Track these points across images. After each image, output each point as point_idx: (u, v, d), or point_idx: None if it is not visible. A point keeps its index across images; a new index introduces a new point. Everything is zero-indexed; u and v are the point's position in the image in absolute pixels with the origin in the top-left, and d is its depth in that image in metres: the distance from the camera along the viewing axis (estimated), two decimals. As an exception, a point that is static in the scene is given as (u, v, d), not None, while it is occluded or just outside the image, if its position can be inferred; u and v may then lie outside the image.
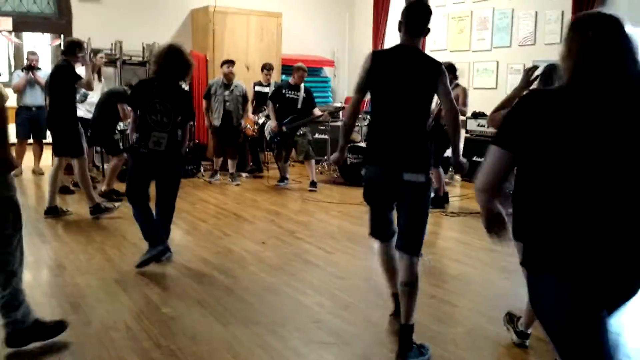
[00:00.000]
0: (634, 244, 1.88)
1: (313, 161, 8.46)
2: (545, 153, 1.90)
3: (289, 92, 8.25)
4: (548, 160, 1.91)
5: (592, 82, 1.91)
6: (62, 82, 6.07)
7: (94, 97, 7.59)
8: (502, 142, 2.01)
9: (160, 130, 4.70)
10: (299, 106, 8.25)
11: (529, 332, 3.48)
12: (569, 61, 2.00)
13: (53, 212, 6.28)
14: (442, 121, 7.17)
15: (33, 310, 3.32)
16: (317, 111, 8.41)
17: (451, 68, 7.22)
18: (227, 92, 8.36)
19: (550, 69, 3.30)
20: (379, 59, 3.48)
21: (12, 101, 8.34)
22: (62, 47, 6.03)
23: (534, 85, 3.13)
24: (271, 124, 8.29)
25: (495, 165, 2.01)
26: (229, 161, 8.79)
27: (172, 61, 4.71)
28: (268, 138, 8.43)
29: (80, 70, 6.20)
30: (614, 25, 1.99)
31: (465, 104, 7.13)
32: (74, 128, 6.26)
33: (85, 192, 6.30)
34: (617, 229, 1.87)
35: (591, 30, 1.96)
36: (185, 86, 6.35)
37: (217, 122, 8.49)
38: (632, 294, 1.99)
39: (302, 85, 8.33)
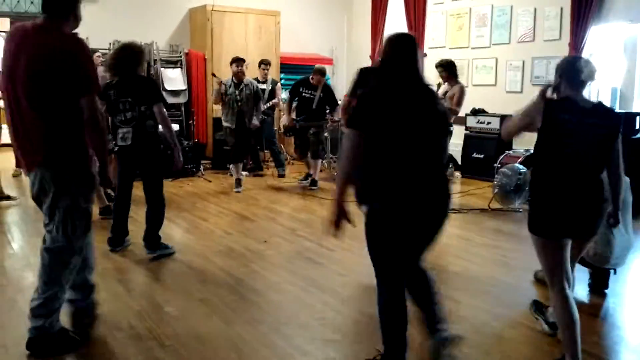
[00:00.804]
0: (435, 188, 2.84)
1: (320, 160, 8.46)
2: (377, 131, 2.72)
3: (306, 91, 8.20)
4: (379, 136, 2.72)
5: (398, 81, 2.81)
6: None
7: None
8: (355, 126, 2.76)
9: (126, 125, 4.82)
10: (314, 106, 8.20)
11: None
12: (386, 65, 2.89)
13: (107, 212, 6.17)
14: None
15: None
16: (334, 116, 8.36)
17: (449, 66, 7.19)
18: (237, 91, 7.88)
19: (364, 70, 3.94)
20: None
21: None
22: None
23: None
24: (285, 119, 8.28)
25: (352, 143, 2.73)
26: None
27: (121, 55, 4.84)
28: (282, 132, 8.40)
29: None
30: (412, 43, 2.87)
31: (459, 104, 7.05)
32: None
33: (96, 192, 6.27)
34: (422, 178, 2.79)
35: (398, 45, 2.86)
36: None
37: (231, 124, 7.88)
38: (434, 221, 2.88)
39: (321, 86, 8.22)
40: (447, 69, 7.15)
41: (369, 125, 2.72)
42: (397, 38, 2.90)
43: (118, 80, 4.89)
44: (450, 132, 5.54)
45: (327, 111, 8.39)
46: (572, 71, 3.07)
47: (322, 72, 8.25)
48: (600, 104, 3.25)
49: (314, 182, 8.26)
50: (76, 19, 3.14)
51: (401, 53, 2.83)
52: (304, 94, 8.20)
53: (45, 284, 3.18)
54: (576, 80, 3.05)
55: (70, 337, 3.30)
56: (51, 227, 3.17)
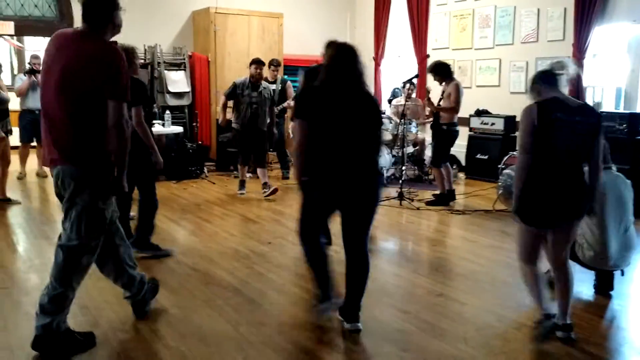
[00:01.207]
0: (357, 168, 3.42)
1: None
2: (313, 121, 3.36)
3: None
4: (314, 125, 3.36)
5: (336, 81, 3.40)
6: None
7: None
8: (299, 116, 3.41)
9: None
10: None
11: (569, 322, 3.51)
12: (325, 67, 3.49)
13: None
14: (441, 120, 7.18)
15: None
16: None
17: (437, 68, 7.16)
18: (254, 94, 7.68)
19: (313, 69, 4.32)
20: None
21: (15, 104, 8.33)
22: None
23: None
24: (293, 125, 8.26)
25: (300, 130, 3.38)
26: (258, 170, 7.88)
27: None
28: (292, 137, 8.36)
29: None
30: (351, 51, 3.49)
31: (457, 101, 7.03)
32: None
33: None
34: (345, 160, 3.39)
35: (338, 51, 3.49)
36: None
37: (237, 126, 7.73)
38: (357, 202, 3.49)
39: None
40: (437, 72, 7.15)
41: (308, 116, 3.38)
42: (337, 48, 3.51)
43: None
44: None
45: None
46: (545, 72, 3.46)
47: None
48: (585, 104, 3.57)
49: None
50: (114, 27, 3.26)
51: (340, 61, 3.44)
52: None
53: (56, 280, 3.23)
54: (551, 78, 3.40)
55: (76, 339, 3.31)
56: (67, 225, 3.24)
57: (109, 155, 3.17)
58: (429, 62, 10.56)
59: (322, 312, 3.67)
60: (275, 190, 7.59)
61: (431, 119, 7.71)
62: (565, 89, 3.46)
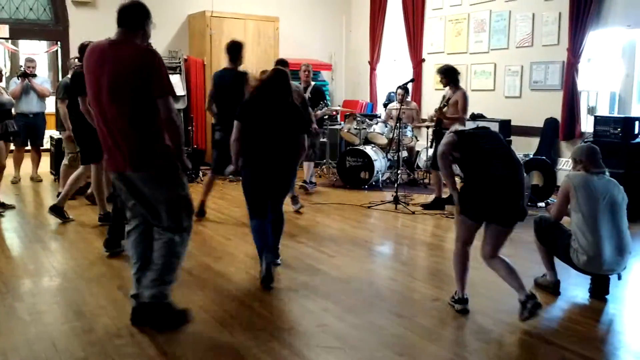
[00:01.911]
0: (276, 162, 4.53)
1: (312, 163, 8.45)
2: (248, 125, 4.50)
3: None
4: (247, 128, 4.49)
5: (264, 95, 4.54)
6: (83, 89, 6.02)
7: None
8: (238, 119, 4.51)
9: None
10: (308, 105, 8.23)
11: (530, 293, 3.80)
12: (256, 83, 4.67)
13: (58, 212, 6.27)
14: (443, 126, 7.16)
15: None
16: (316, 112, 8.37)
17: (448, 72, 7.14)
18: None
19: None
20: None
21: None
22: (79, 53, 5.96)
23: None
24: None
25: (237, 129, 4.51)
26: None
27: None
28: None
29: None
30: (284, 75, 4.60)
31: (464, 110, 7.01)
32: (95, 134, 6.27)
33: (98, 198, 6.29)
34: (267, 155, 4.50)
35: (273, 75, 4.60)
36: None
37: None
38: (279, 186, 4.67)
39: (312, 84, 8.30)
40: (448, 75, 7.12)
41: (244, 120, 4.49)
42: (273, 72, 4.63)
43: None
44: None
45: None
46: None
47: (306, 64, 8.34)
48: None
49: (307, 183, 8.32)
50: (144, 36, 3.54)
51: (271, 82, 4.54)
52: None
53: (164, 268, 3.57)
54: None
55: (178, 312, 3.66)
56: (158, 222, 3.55)
57: (167, 146, 3.46)
58: (424, 66, 10.64)
59: (265, 273, 4.42)
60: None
61: (432, 123, 7.67)
62: None
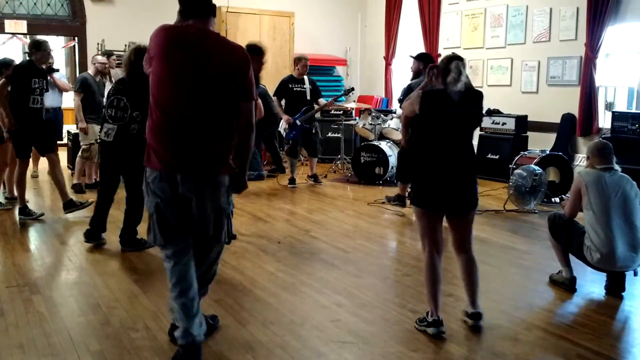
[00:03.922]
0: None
1: (316, 159, 8.63)
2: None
3: (296, 86, 8.20)
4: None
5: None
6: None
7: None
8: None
9: (113, 122, 4.98)
10: (308, 97, 8.26)
11: (478, 311, 3.65)
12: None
13: (71, 206, 6.36)
14: None
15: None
16: (322, 101, 8.39)
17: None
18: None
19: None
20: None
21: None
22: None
23: None
24: (283, 119, 8.21)
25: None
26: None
27: (137, 57, 4.78)
28: (284, 135, 8.35)
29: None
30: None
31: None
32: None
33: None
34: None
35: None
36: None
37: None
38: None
39: (306, 77, 8.30)
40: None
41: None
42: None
43: (128, 78, 5.03)
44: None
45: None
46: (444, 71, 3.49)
47: (305, 57, 8.31)
48: (468, 89, 3.58)
49: (316, 177, 8.44)
50: (213, 21, 3.25)
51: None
52: (295, 89, 8.19)
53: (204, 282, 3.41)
54: (443, 81, 3.48)
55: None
56: (221, 230, 3.23)
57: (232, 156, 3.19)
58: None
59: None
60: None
61: None
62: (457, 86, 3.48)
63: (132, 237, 5.19)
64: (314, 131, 8.29)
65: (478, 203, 3.75)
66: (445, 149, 3.53)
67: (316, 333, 3.59)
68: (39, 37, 6.26)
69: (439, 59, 3.70)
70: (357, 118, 10.06)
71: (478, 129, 3.73)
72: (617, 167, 4.23)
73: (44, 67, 6.33)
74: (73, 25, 10.17)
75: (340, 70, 12.24)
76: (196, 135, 3.06)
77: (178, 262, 3.17)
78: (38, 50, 6.16)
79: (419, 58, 6.96)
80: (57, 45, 12.87)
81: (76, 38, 10.56)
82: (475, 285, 3.67)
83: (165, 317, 3.75)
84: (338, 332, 3.60)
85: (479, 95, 3.62)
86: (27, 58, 6.17)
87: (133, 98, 4.91)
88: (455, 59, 3.50)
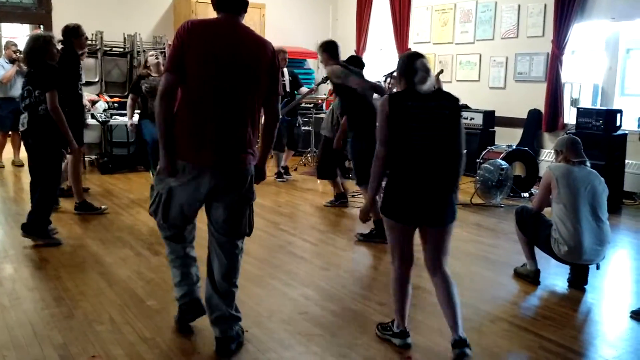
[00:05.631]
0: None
1: (293, 151, 8.66)
2: None
3: None
4: None
5: None
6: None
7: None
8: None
9: (25, 110, 5.03)
10: (288, 89, 8.26)
11: (462, 337, 3.18)
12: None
13: (86, 207, 6.17)
14: None
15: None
16: (303, 89, 8.40)
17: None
18: None
19: None
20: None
21: None
22: (63, 36, 5.95)
23: None
24: None
25: None
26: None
27: (31, 46, 5.07)
28: None
29: None
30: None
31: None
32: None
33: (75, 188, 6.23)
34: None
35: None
36: None
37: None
38: None
39: (286, 69, 8.28)
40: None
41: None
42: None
43: (28, 67, 5.14)
44: None
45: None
46: (409, 71, 3.18)
47: (284, 50, 8.24)
48: (439, 90, 3.33)
49: (287, 171, 8.49)
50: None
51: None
52: None
53: (233, 277, 3.41)
54: (410, 81, 3.16)
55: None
56: (241, 223, 3.35)
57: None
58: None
59: None
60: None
61: None
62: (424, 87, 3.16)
63: (41, 227, 5.05)
64: (297, 124, 8.32)
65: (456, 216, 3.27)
66: (424, 152, 3.12)
67: (283, 326, 3.59)
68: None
69: (398, 60, 3.34)
70: (327, 111, 10.07)
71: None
72: (587, 162, 4.34)
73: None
74: (39, 12, 9.95)
75: (311, 63, 12.21)
76: (229, 128, 3.06)
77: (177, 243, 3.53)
78: (77, 36, 6.00)
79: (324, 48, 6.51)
80: (22, 34, 12.60)
81: (42, 26, 10.35)
82: (455, 307, 3.22)
83: (130, 310, 3.72)
84: (305, 324, 3.61)
85: (452, 95, 3.27)
86: (62, 45, 5.86)
87: (34, 81, 4.99)
88: (418, 57, 3.21)
